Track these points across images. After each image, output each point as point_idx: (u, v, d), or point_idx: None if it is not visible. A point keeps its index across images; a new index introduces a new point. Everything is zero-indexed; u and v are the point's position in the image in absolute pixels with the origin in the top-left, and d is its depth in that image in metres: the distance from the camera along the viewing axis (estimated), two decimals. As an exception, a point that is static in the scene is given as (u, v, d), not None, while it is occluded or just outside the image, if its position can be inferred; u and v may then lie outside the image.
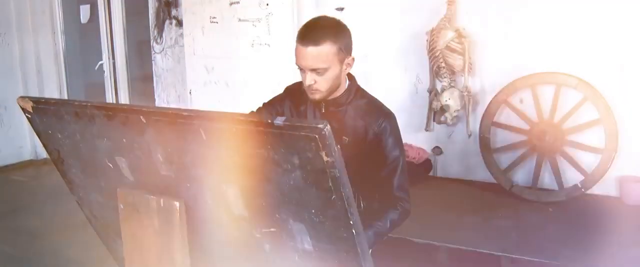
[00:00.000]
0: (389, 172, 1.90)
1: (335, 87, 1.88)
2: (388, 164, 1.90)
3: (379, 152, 1.90)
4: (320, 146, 0.94)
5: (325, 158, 0.96)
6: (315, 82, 1.81)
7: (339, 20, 1.86)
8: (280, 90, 2.12)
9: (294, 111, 2.02)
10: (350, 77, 1.98)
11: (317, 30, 1.79)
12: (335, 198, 1.00)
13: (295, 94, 2.03)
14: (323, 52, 1.77)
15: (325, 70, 1.79)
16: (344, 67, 1.86)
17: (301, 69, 1.83)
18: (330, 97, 1.91)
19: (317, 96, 1.86)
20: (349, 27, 1.87)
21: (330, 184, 0.99)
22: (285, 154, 1.00)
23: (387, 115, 1.92)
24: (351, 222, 1.02)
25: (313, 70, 1.79)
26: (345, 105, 1.93)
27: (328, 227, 1.06)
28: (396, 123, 1.94)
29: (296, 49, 1.82)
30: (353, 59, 1.88)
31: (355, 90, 1.95)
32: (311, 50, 1.77)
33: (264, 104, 2.10)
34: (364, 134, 1.90)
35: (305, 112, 1.99)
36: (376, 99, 1.99)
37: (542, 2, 3.47)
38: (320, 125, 0.93)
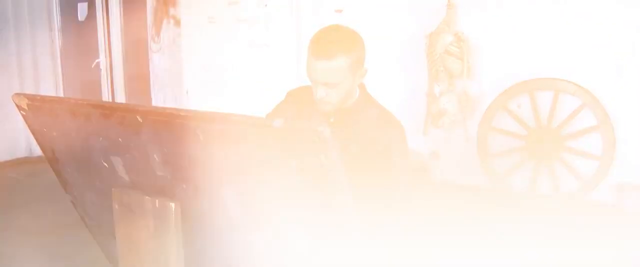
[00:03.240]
0: (392, 183, 1.88)
1: (346, 99, 1.84)
2: (392, 175, 1.88)
3: (385, 164, 1.88)
4: (320, 148, 0.93)
5: (324, 161, 0.95)
6: (327, 95, 1.77)
7: (352, 32, 1.79)
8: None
9: (297, 118, 1.98)
10: (361, 86, 1.94)
11: (331, 44, 1.72)
12: (334, 201, 0.99)
13: (299, 99, 2.00)
14: (336, 66, 1.71)
15: (337, 84, 1.75)
16: (357, 79, 1.82)
17: (312, 81, 1.79)
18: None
19: (328, 108, 1.83)
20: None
21: (329, 187, 0.98)
22: (284, 157, 0.99)
23: (396, 128, 1.89)
24: (350, 225, 1.01)
25: (325, 84, 1.75)
26: (354, 114, 1.90)
27: (326, 231, 1.05)
28: (405, 135, 1.91)
29: (307, 61, 1.76)
30: (366, 70, 1.84)
31: (366, 100, 1.92)
32: (323, 64, 1.71)
33: (268, 115, 2.06)
34: (373, 145, 1.87)
35: (310, 118, 1.96)
36: (386, 109, 1.95)
37: (542, 7, 3.47)
38: (320, 128, 0.92)
